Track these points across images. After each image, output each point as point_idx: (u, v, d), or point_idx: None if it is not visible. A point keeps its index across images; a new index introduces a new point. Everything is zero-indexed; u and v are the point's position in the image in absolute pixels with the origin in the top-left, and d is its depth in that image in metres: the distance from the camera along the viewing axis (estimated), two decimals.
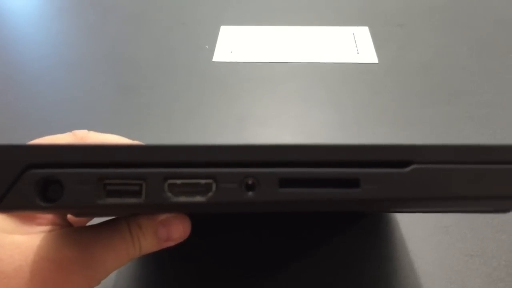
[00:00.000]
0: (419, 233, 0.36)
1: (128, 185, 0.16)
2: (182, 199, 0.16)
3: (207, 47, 0.58)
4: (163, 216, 0.22)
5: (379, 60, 0.55)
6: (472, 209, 0.21)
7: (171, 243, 0.23)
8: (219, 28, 0.62)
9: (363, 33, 0.60)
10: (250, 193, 0.16)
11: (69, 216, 0.27)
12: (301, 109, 0.49)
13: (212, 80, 0.53)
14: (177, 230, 0.23)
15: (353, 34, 0.60)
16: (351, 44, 0.58)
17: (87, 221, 0.27)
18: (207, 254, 0.34)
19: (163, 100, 0.50)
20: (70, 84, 0.53)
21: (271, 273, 0.33)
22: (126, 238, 0.22)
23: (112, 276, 0.33)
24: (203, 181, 0.16)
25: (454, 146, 0.16)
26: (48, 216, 0.23)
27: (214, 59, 0.56)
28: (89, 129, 0.25)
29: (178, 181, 0.16)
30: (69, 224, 0.24)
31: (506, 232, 0.35)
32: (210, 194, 0.16)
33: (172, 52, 0.58)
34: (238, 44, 0.59)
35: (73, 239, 0.21)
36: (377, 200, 0.16)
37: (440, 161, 0.16)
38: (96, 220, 0.24)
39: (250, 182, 0.16)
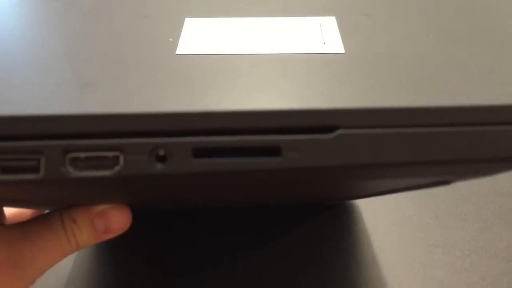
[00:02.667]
0: (382, 224, 0.35)
1: (24, 160, 0.14)
2: (86, 173, 0.14)
3: (170, 39, 0.57)
4: (100, 207, 0.21)
5: (345, 49, 0.54)
6: (410, 181, 0.21)
7: (110, 235, 0.22)
8: (183, 21, 0.61)
9: (329, 23, 0.59)
10: (161, 165, 0.14)
11: (8, 213, 0.25)
12: (264, 100, 0.48)
13: (174, 73, 0.51)
14: (115, 221, 0.21)
15: (320, 24, 0.59)
16: (318, 34, 0.57)
17: (23, 219, 0.26)
18: (169, 249, 0.33)
19: (123, 95, 0.48)
20: (27, 81, 0.51)
21: (231, 267, 0.32)
22: (59, 234, 0.21)
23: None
24: (110, 154, 0.14)
25: (382, 109, 0.15)
26: None
27: (177, 52, 0.55)
28: None
29: (82, 155, 0.14)
30: (0, 224, 0.23)
31: (469, 221, 0.35)
32: (117, 167, 0.14)
33: (134, 45, 0.56)
34: (203, 36, 0.58)
35: (1, 238, 0.20)
36: (300, 168, 0.15)
37: (368, 125, 0.15)
38: None
39: (161, 153, 0.14)
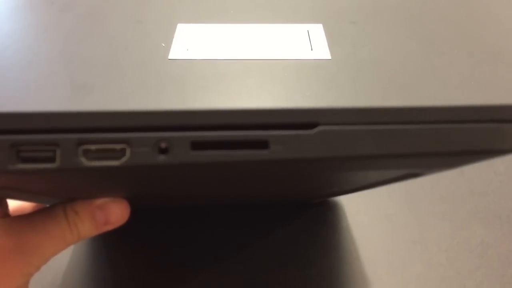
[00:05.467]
0: (364, 222, 0.37)
1: (41, 151, 0.16)
2: (96, 163, 0.16)
3: (163, 45, 0.58)
4: (100, 201, 0.23)
5: (332, 56, 0.56)
6: (384, 173, 0.23)
7: (110, 227, 0.23)
8: (175, 26, 0.62)
9: (317, 30, 0.61)
10: (163, 156, 0.16)
11: (10, 208, 0.27)
12: (254, 100, 0.49)
13: (167, 77, 0.53)
14: (114, 213, 0.23)
15: (308, 31, 0.61)
16: (305, 41, 0.59)
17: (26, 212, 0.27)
18: (157, 245, 0.35)
19: (117, 98, 0.49)
20: (22, 83, 0.52)
21: (218, 262, 0.34)
22: (62, 224, 0.22)
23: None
24: (117, 146, 0.16)
25: (357, 108, 0.16)
26: None
27: (170, 57, 0.56)
28: None
29: (93, 147, 0.16)
30: (6, 215, 0.24)
31: (446, 220, 0.37)
32: (124, 158, 0.16)
33: (127, 50, 0.57)
34: (195, 41, 0.59)
35: (9, 228, 0.22)
36: (285, 160, 0.16)
37: (344, 122, 0.17)
38: None
39: (163, 145, 0.16)
